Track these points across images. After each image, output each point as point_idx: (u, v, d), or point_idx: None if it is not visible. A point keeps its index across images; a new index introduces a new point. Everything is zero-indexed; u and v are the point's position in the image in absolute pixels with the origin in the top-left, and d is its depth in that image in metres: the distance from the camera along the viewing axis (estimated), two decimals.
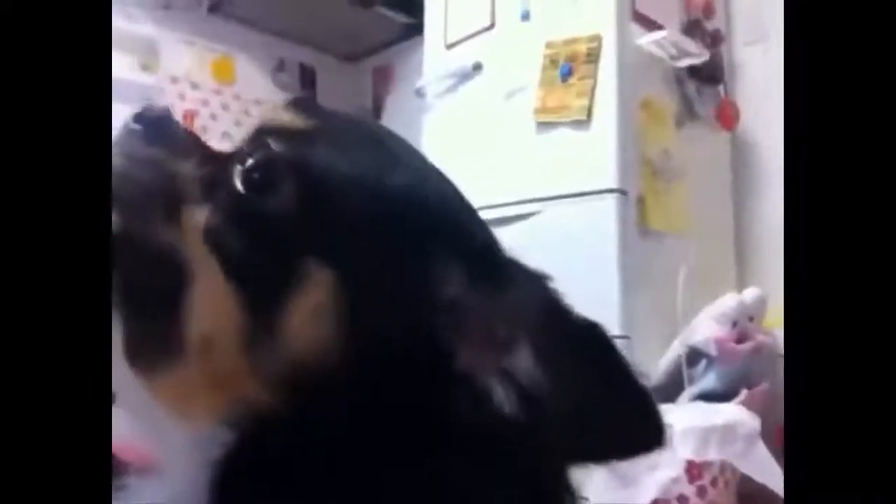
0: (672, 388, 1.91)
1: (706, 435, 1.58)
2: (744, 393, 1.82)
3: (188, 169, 0.51)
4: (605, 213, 1.96)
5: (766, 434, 1.65)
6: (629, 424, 0.46)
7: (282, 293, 0.45)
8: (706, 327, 1.94)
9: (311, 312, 0.45)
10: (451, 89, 2.47)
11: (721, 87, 2.42)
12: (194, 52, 3.36)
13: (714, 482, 1.59)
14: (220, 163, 0.51)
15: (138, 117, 0.53)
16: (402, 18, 3.36)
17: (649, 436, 0.46)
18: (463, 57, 2.44)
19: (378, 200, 0.47)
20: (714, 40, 2.36)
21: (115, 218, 0.47)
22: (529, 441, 0.44)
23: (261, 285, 0.46)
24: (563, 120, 2.08)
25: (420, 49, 2.75)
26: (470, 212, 0.52)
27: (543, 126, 2.13)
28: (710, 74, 2.33)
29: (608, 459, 0.48)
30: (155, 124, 0.53)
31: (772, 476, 1.56)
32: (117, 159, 0.49)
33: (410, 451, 0.44)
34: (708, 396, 1.85)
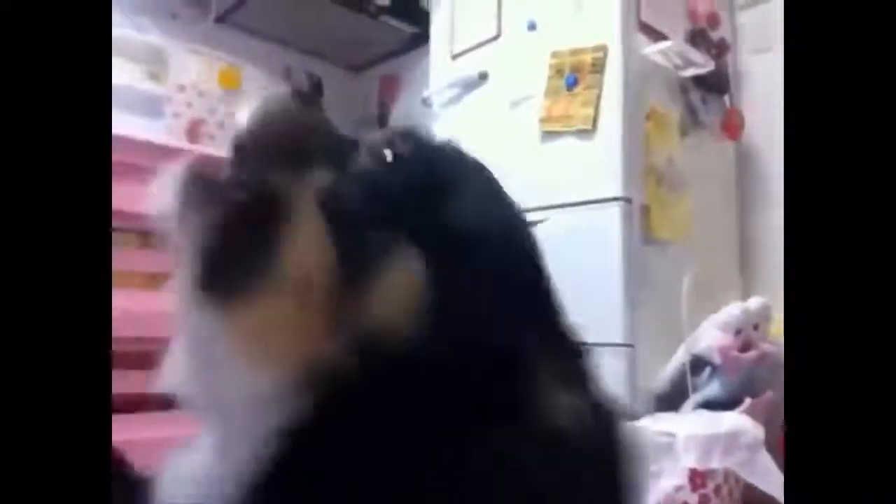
0: (676, 396, 1.91)
1: (710, 443, 1.57)
2: (747, 401, 1.81)
3: (321, 135, 0.56)
4: (610, 222, 1.97)
5: (770, 443, 1.65)
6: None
7: (378, 263, 0.48)
8: (710, 336, 1.93)
9: (400, 288, 0.48)
10: (457, 99, 2.48)
11: (726, 97, 2.43)
12: (202, 61, 3.38)
13: (717, 490, 1.58)
14: (347, 143, 0.56)
15: (291, 89, 0.58)
16: (408, 28, 3.37)
17: None
18: (469, 66, 2.45)
19: (478, 218, 0.53)
20: (719, 50, 2.36)
21: (243, 156, 0.53)
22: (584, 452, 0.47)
23: (360, 251, 0.49)
24: (568, 129, 2.09)
25: (426, 58, 2.76)
26: (540, 259, 0.56)
27: (549, 135, 2.14)
28: (716, 84, 2.34)
29: None
30: (303, 97, 0.58)
31: (775, 485, 1.56)
32: (267, 108, 0.55)
33: (469, 439, 0.45)
34: (712, 405, 1.85)
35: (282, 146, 0.53)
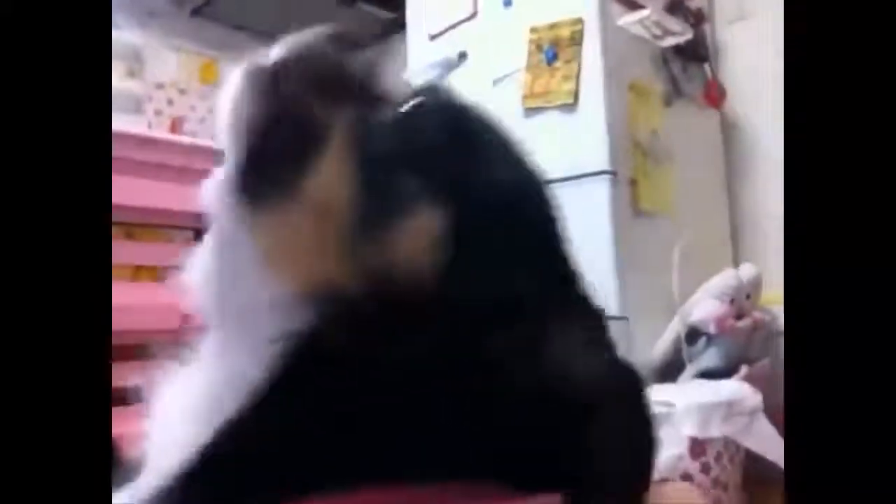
0: (672, 367, 1.91)
1: (709, 412, 1.58)
2: (744, 369, 1.82)
3: (356, 79, 0.56)
4: (598, 196, 1.97)
5: (768, 410, 1.65)
6: (633, 468, 0.49)
7: (403, 209, 0.48)
8: (704, 305, 1.94)
9: (422, 240, 0.48)
10: (438, 80, 2.47)
11: (706, 66, 2.42)
12: (180, 58, 3.35)
13: (718, 458, 1.59)
14: (381, 91, 0.56)
15: (333, 30, 0.58)
16: (384, 14, 3.36)
17: (639, 482, 0.50)
18: (447, 47, 2.44)
19: (507, 182, 0.53)
20: (697, 19, 2.35)
21: (287, 85, 0.53)
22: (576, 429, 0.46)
23: (386, 192, 0.49)
24: (550, 104, 2.08)
25: (404, 44, 2.75)
26: (563, 236, 0.56)
27: (531, 111, 2.13)
28: (695, 53, 2.33)
29: (596, 491, 0.49)
30: (342, 36, 0.58)
31: (775, 450, 1.56)
32: (303, 46, 0.56)
33: (465, 396, 0.45)
34: (708, 374, 1.85)
35: (321, 79, 0.54)
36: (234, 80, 0.54)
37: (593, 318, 0.52)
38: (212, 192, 0.52)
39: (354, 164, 0.50)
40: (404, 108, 0.53)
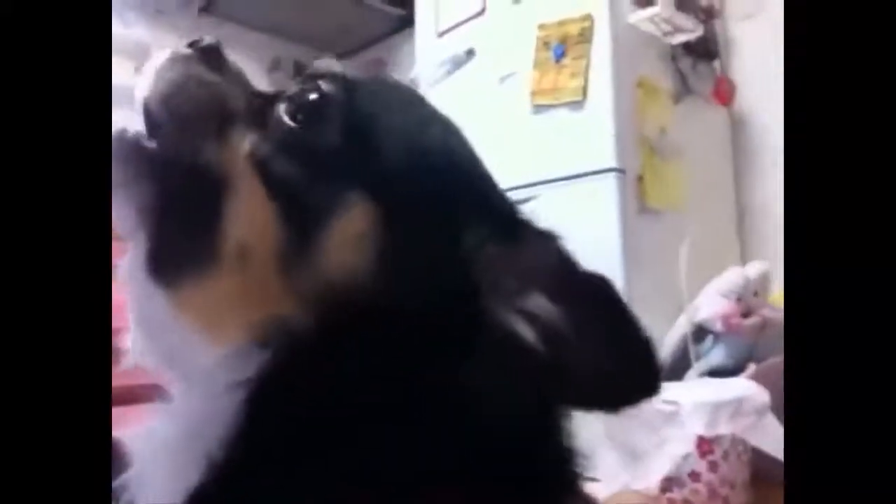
0: (679, 366, 1.90)
1: (716, 410, 1.57)
2: (752, 367, 1.81)
3: (237, 95, 0.53)
4: (605, 193, 1.96)
5: (776, 408, 1.64)
6: (632, 370, 0.47)
7: (324, 217, 0.47)
8: (711, 303, 1.93)
9: (352, 239, 0.46)
10: (445, 77, 2.46)
11: (716, 63, 2.41)
12: None
13: (726, 456, 1.58)
14: (266, 98, 0.54)
15: (191, 44, 0.55)
16: (393, 10, 3.35)
17: (647, 382, 0.47)
18: (455, 44, 2.44)
19: (417, 148, 0.51)
20: (707, 15, 2.34)
21: (162, 131, 0.50)
22: (549, 373, 0.45)
23: (303, 207, 0.47)
24: (558, 101, 2.07)
25: (412, 40, 2.74)
26: (490, 175, 0.54)
27: (539, 108, 2.13)
28: (705, 50, 2.32)
29: (610, 405, 0.48)
30: (208, 52, 0.55)
31: (783, 448, 1.55)
32: (171, 76, 0.52)
33: (435, 384, 0.44)
34: (716, 373, 1.84)
35: (198, 113, 0.50)
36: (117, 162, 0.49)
37: (545, 243, 0.50)
38: (126, 275, 0.49)
39: (266, 190, 0.48)
40: (300, 104, 0.51)
